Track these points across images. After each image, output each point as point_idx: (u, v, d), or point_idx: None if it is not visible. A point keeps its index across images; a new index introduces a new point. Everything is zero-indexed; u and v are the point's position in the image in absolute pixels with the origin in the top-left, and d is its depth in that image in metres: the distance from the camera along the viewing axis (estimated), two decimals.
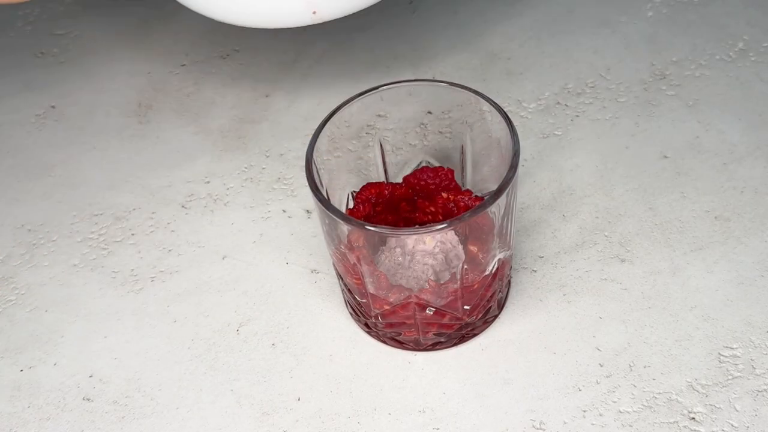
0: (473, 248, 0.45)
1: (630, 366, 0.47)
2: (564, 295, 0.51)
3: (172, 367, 0.50)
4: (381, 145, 0.51)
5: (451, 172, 0.50)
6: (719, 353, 0.47)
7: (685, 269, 0.51)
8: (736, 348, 0.47)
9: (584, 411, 0.45)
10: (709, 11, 0.68)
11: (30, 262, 0.56)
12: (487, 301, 0.48)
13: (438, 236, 0.43)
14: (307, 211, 0.57)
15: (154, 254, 0.56)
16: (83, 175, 0.62)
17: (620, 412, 0.45)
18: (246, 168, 0.60)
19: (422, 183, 0.50)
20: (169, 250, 0.56)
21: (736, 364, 0.47)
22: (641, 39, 0.66)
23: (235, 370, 0.49)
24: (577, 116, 0.61)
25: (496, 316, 0.50)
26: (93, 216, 0.59)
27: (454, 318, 0.47)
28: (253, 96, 0.66)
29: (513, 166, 0.43)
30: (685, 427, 0.44)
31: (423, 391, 0.47)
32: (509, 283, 0.51)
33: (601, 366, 0.47)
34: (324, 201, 0.43)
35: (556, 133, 0.60)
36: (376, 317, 0.48)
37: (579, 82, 0.63)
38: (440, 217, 0.49)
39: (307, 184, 0.44)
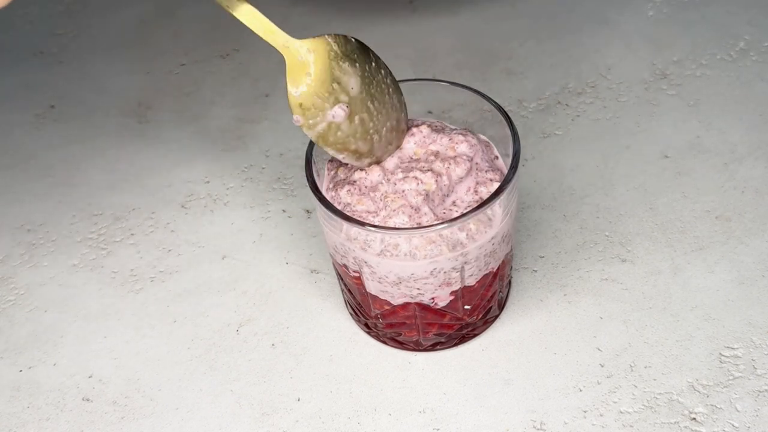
0: None
1: (631, 366, 0.47)
2: (564, 295, 0.51)
3: (171, 367, 0.50)
4: None
5: None
6: (720, 353, 0.47)
7: (685, 269, 0.51)
8: (737, 348, 0.47)
9: (585, 411, 0.45)
10: (710, 11, 0.68)
11: (29, 262, 0.56)
12: (488, 301, 0.48)
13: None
14: (307, 211, 0.57)
15: (153, 254, 0.56)
16: (83, 175, 0.61)
17: (621, 412, 0.45)
18: (246, 168, 0.60)
19: None
20: (169, 250, 0.56)
21: (737, 365, 0.47)
22: (642, 38, 0.66)
23: (235, 370, 0.49)
24: (578, 116, 0.61)
25: (496, 317, 0.50)
26: (92, 216, 0.59)
27: (455, 318, 0.47)
28: (252, 96, 0.66)
29: (513, 166, 0.43)
30: (686, 427, 0.44)
31: (423, 391, 0.47)
32: (510, 283, 0.51)
33: (602, 366, 0.47)
34: (324, 201, 0.43)
35: (556, 132, 0.60)
36: (376, 317, 0.48)
37: (579, 82, 0.63)
38: None
39: (307, 184, 0.44)
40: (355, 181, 0.45)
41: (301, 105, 0.42)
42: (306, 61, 0.42)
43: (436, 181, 0.44)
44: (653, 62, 0.64)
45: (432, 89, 0.48)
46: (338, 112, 0.43)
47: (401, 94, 0.46)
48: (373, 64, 0.44)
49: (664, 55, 0.65)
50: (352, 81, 0.43)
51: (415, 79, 0.48)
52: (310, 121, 0.42)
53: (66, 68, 0.70)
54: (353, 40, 0.43)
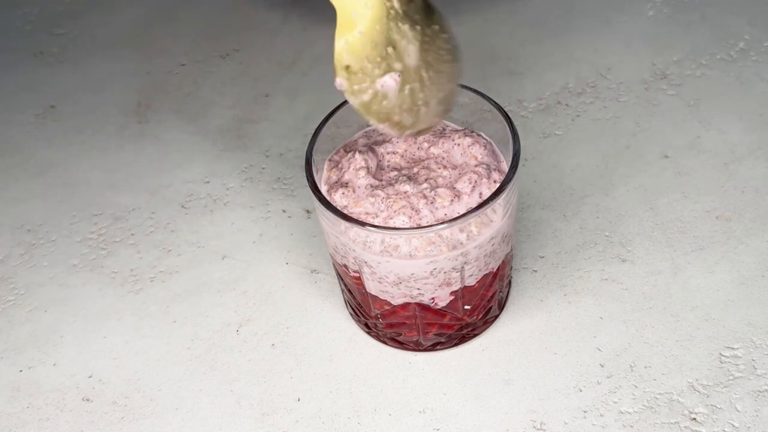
0: None
1: (631, 366, 0.47)
2: (565, 295, 0.51)
3: (171, 367, 0.50)
4: None
5: None
6: (720, 353, 0.47)
7: (686, 269, 0.51)
8: (737, 348, 0.47)
9: (585, 411, 0.45)
10: (710, 11, 0.68)
11: (29, 262, 0.56)
12: (488, 301, 0.48)
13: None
14: (307, 211, 0.57)
15: (153, 254, 0.56)
16: (83, 175, 0.61)
17: (621, 412, 0.45)
18: (246, 168, 0.60)
19: None
20: (169, 250, 0.56)
21: (737, 365, 0.46)
22: (642, 38, 0.66)
23: (235, 370, 0.49)
24: (578, 116, 0.61)
25: (496, 317, 0.50)
26: (92, 216, 0.59)
27: (455, 318, 0.47)
28: (252, 96, 0.66)
29: (513, 166, 0.43)
30: (686, 427, 0.44)
31: (423, 391, 0.47)
32: (510, 283, 0.51)
33: (602, 366, 0.47)
34: (324, 201, 0.43)
35: (556, 132, 0.60)
36: (376, 317, 0.48)
37: (580, 82, 0.63)
38: None
39: (307, 184, 0.44)
40: (347, 183, 0.45)
41: (347, 68, 0.37)
42: (359, 18, 0.36)
43: (452, 200, 0.43)
44: (653, 62, 0.64)
45: None
46: (388, 83, 0.37)
47: (460, 61, 0.39)
48: (437, 26, 0.38)
49: (664, 55, 0.65)
50: (410, 47, 0.37)
51: None
52: (355, 87, 0.37)
53: (66, 68, 0.70)
54: None
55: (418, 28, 0.37)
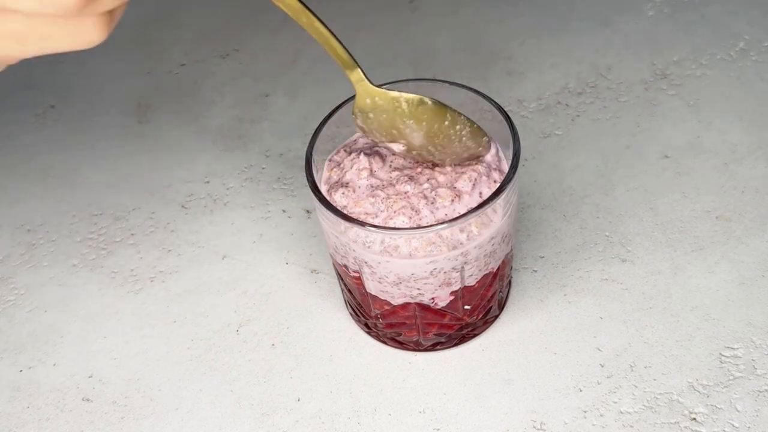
0: None
1: (631, 366, 0.47)
2: (565, 295, 0.51)
3: (171, 367, 0.50)
4: None
5: None
6: (720, 353, 0.47)
7: (686, 269, 0.51)
8: (738, 348, 0.47)
9: (585, 411, 0.45)
10: (710, 11, 0.68)
11: (29, 262, 0.56)
12: (488, 301, 0.48)
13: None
14: (307, 211, 0.57)
15: (153, 254, 0.56)
16: (83, 175, 0.61)
17: (621, 412, 0.45)
18: (246, 168, 0.60)
19: None
20: (169, 250, 0.56)
21: (737, 365, 0.46)
22: (642, 38, 0.66)
23: (235, 370, 0.49)
24: (578, 116, 0.61)
25: (496, 317, 0.50)
26: (92, 216, 0.59)
27: (455, 318, 0.47)
28: (252, 95, 0.66)
29: (513, 166, 0.43)
30: (686, 427, 0.44)
31: (423, 391, 0.47)
32: (510, 283, 0.51)
33: (602, 366, 0.47)
34: (324, 201, 0.43)
35: (556, 132, 0.60)
36: (376, 317, 0.48)
37: (580, 82, 0.63)
38: None
39: (307, 184, 0.44)
40: (347, 183, 0.45)
41: (361, 128, 0.44)
42: (371, 104, 0.43)
43: (452, 200, 0.43)
44: (653, 62, 0.64)
45: (432, 89, 0.48)
46: (393, 147, 0.44)
47: (482, 137, 0.45)
48: (447, 122, 0.44)
49: (664, 55, 0.65)
50: (414, 135, 0.44)
51: (415, 79, 0.48)
52: (369, 136, 0.45)
53: (66, 68, 0.70)
54: (429, 102, 0.43)
55: (424, 124, 0.43)
